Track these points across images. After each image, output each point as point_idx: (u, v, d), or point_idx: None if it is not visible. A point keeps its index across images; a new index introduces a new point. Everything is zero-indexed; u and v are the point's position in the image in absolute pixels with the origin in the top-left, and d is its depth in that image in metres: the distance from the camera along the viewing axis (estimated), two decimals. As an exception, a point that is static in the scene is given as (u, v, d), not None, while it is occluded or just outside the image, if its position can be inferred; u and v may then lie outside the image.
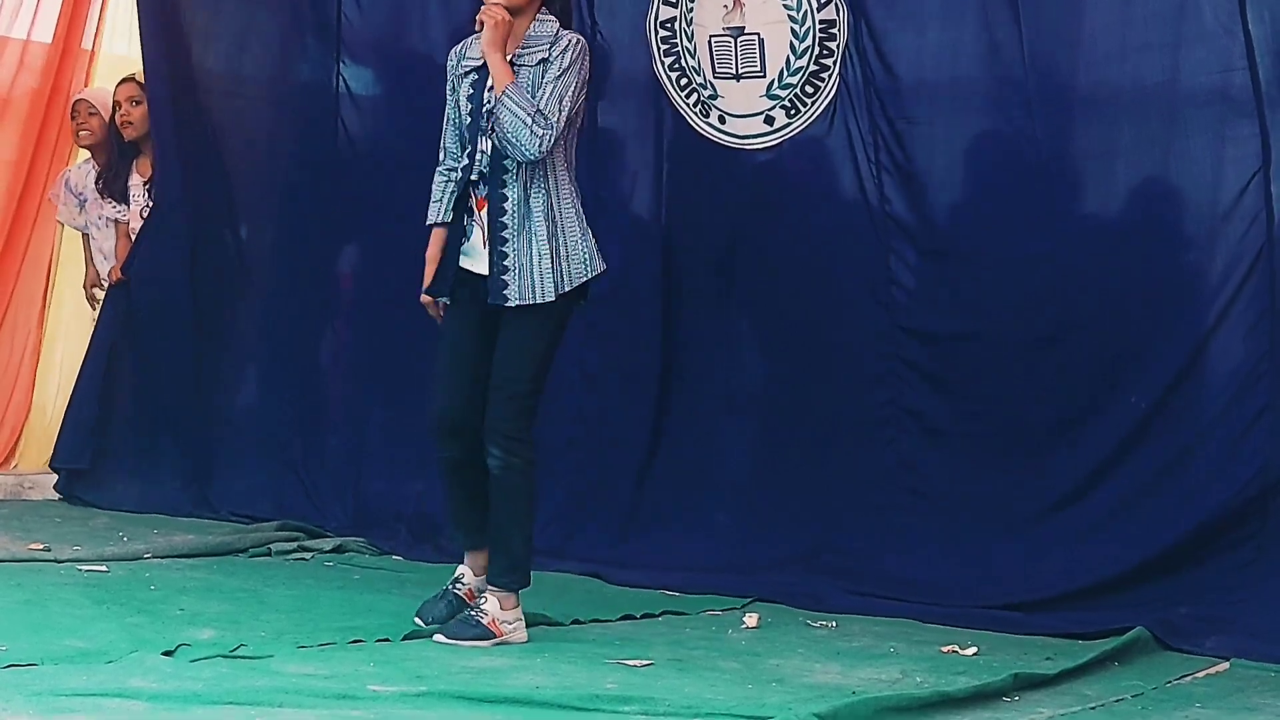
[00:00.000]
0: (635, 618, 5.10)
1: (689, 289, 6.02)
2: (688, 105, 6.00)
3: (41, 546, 5.73)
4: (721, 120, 5.94)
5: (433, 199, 4.78)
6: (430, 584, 5.48)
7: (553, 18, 4.65)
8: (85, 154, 7.58)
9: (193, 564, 5.72)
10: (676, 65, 6.00)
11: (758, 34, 5.88)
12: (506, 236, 4.54)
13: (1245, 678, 4.56)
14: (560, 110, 4.52)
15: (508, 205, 4.55)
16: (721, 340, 6.02)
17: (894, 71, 5.68)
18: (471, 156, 4.61)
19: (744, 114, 5.92)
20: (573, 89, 4.56)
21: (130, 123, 7.27)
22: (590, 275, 4.64)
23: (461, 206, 4.65)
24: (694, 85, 5.97)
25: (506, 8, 4.57)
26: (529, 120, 4.48)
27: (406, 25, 6.59)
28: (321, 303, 6.91)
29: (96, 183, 7.47)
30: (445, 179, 4.77)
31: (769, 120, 5.89)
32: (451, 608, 4.67)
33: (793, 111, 5.84)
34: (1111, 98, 5.34)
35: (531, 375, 4.58)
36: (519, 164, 4.53)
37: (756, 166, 5.93)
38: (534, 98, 4.52)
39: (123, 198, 7.37)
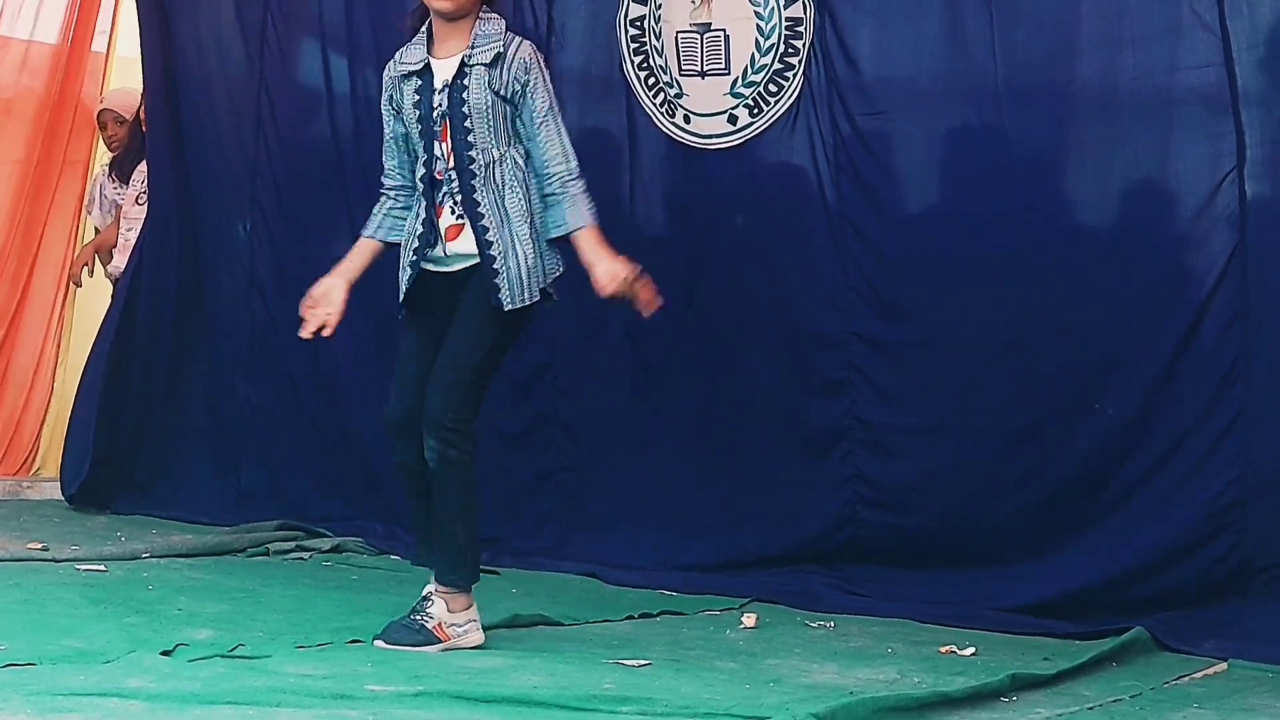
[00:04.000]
0: (633, 618, 5.10)
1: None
2: (654, 105, 5.95)
3: (40, 546, 5.73)
4: (686, 120, 5.89)
5: (371, 216, 4.65)
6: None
7: (495, 14, 4.54)
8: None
9: (191, 564, 5.72)
10: (645, 65, 5.97)
11: (724, 30, 5.83)
12: (491, 239, 4.41)
13: (1243, 678, 4.56)
14: (566, 140, 4.46)
15: (484, 208, 4.42)
16: (681, 344, 5.93)
17: (859, 67, 5.62)
18: (429, 163, 4.49)
19: (708, 113, 5.86)
20: (556, 109, 4.49)
21: None
22: (559, 271, 4.51)
23: (425, 217, 4.50)
24: (660, 84, 5.93)
25: (454, 14, 4.45)
26: (579, 191, 4.44)
27: (392, 21, 6.56)
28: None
29: (111, 165, 7.55)
30: (388, 199, 4.62)
31: (732, 119, 5.83)
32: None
33: (755, 110, 5.79)
34: (1084, 93, 5.26)
35: (474, 366, 4.42)
36: (485, 164, 4.42)
37: (719, 167, 5.86)
38: (499, 99, 4.41)
39: (126, 179, 7.44)
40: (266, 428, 6.91)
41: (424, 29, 4.55)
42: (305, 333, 4.58)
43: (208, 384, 7.10)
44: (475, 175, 4.42)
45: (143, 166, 7.35)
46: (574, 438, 6.18)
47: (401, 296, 4.51)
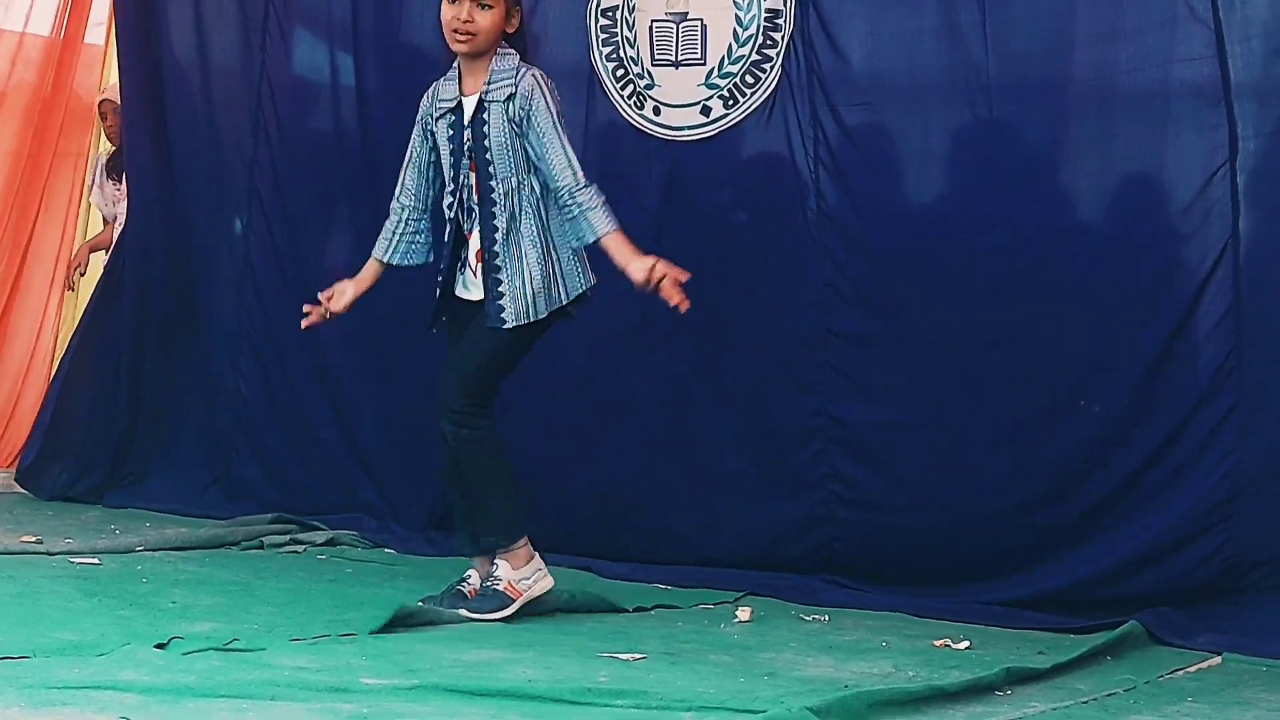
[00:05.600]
0: (627, 611, 5.09)
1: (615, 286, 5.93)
2: (622, 97, 5.90)
3: (33, 539, 5.73)
4: (656, 111, 5.84)
5: (382, 234, 5.06)
6: (422, 577, 5.50)
7: (512, 51, 4.86)
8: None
9: (185, 557, 5.72)
10: (614, 55, 5.93)
11: (700, 20, 5.79)
12: (499, 264, 4.80)
13: (1237, 672, 4.57)
14: (569, 155, 4.76)
15: (498, 235, 4.80)
16: (650, 343, 5.86)
17: (844, 58, 5.56)
18: (456, 194, 4.87)
19: (680, 104, 5.81)
20: (562, 127, 4.79)
21: None
22: (583, 289, 4.86)
23: (451, 242, 4.89)
24: (630, 76, 5.89)
25: (471, 53, 4.81)
26: (588, 200, 4.73)
27: (396, 16, 6.55)
28: (315, 295, 6.88)
29: (109, 165, 7.54)
30: (398, 217, 5.02)
31: (705, 111, 5.78)
32: (457, 599, 4.85)
33: (731, 102, 5.74)
34: (1075, 86, 5.24)
35: (482, 365, 4.82)
36: (504, 193, 4.79)
37: (689, 158, 5.79)
38: (515, 131, 4.77)
39: (122, 176, 7.44)
40: (260, 420, 6.89)
41: (456, 65, 4.90)
42: (305, 324, 5.14)
43: (201, 377, 7.08)
44: (495, 204, 4.80)
45: None
46: (542, 437, 6.12)
47: (432, 322, 4.96)
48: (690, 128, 5.82)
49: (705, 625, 4.96)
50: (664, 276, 4.64)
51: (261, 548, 6.01)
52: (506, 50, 4.85)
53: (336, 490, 6.64)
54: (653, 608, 5.19)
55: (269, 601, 4.88)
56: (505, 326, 4.77)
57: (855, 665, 4.37)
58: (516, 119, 4.77)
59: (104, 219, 7.79)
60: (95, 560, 5.49)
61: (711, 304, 5.77)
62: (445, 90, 4.92)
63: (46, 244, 7.79)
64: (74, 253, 7.75)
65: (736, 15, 5.74)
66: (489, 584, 4.81)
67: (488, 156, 4.79)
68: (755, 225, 5.77)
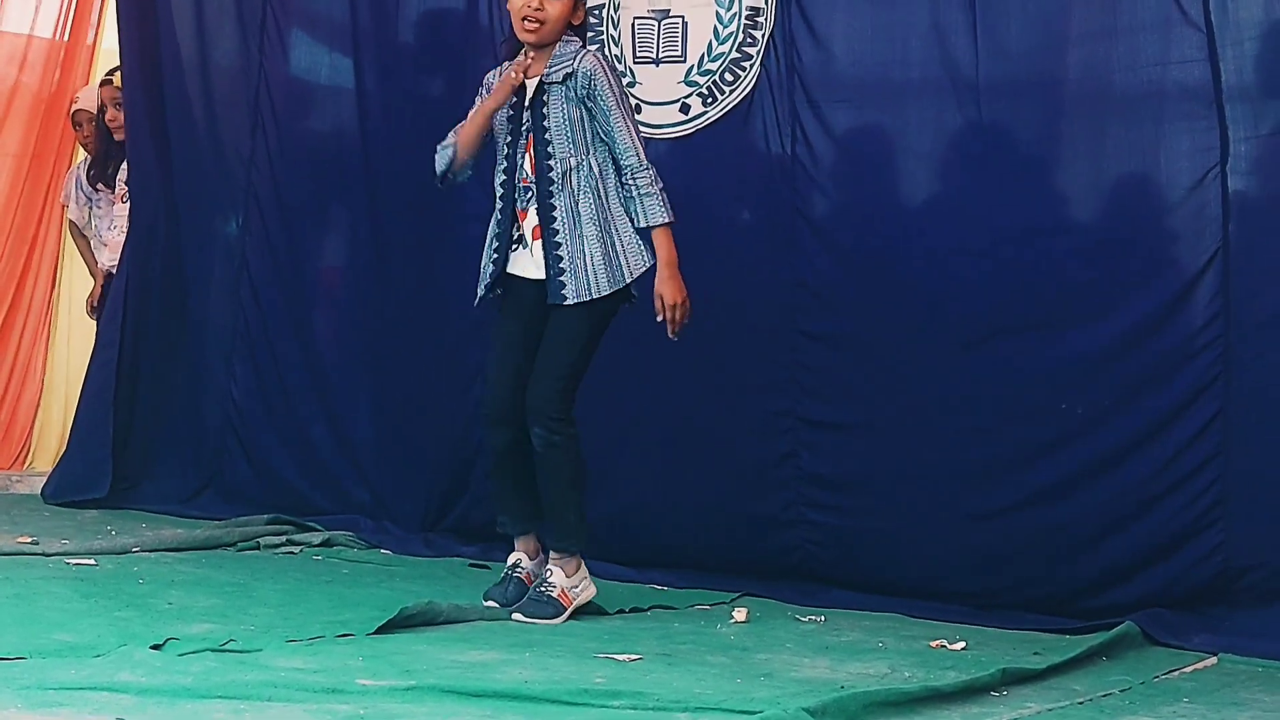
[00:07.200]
0: (624, 612, 5.10)
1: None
2: None
3: (29, 540, 5.73)
4: (638, 109, 5.79)
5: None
6: (419, 578, 5.51)
7: (575, 37, 5.00)
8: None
9: (181, 558, 5.72)
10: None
11: (682, 17, 5.81)
12: (560, 241, 4.89)
13: (1233, 673, 4.57)
14: (634, 136, 4.90)
15: (557, 213, 4.90)
16: (621, 340, 5.69)
17: (829, 56, 5.55)
18: (511, 172, 4.98)
19: (661, 101, 5.83)
20: (627, 108, 4.92)
21: (121, 125, 7.28)
22: (645, 266, 4.93)
23: (506, 220, 4.98)
24: None
25: (538, 43, 4.92)
26: (646, 185, 4.90)
27: (393, 17, 6.55)
28: (311, 296, 6.89)
29: (89, 174, 7.50)
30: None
31: (684, 108, 5.80)
32: (520, 588, 4.95)
33: (709, 100, 5.74)
34: (1065, 87, 5.23)
35: (572, 361, 4.90)
36: (562, 173, 4.90)
37: (669, 156, 5.75)
38: (580, 108, 4.89)
39: (110, 183, 7.41)
40: (256, 421, 6.90)
41: (521, 53, 5.00)
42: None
43: (194, 378, 7.08)
44: (553, 183, 4.91)
45: (124, 170, 7.32)
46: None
47: (483, 291, 5.00)
48: (669, 125, 5.83)
49: (701, 626, 4.96)
50: (675, 310, 4.87)
51: (258, 549, 6.01)
52: (571, 37, 4.98)
53: (331, 492, 6.64)
54: (649, 608, 5.19)
55: (265, 602, 4.88)
56: (566, 302, 4.85)
57: (851, 666, 4.37)
58: (581, 95, 4.89)
59: (77, 234, 7.69)
60: (92, 561, 5.48)
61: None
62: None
63: (49, 245, 7.79)
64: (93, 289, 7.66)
65: (717, 13, 5.74)
66: (543, 589, 4.86)
67: (546, 137, 4.92)
68: (730, 225, 5.75)
